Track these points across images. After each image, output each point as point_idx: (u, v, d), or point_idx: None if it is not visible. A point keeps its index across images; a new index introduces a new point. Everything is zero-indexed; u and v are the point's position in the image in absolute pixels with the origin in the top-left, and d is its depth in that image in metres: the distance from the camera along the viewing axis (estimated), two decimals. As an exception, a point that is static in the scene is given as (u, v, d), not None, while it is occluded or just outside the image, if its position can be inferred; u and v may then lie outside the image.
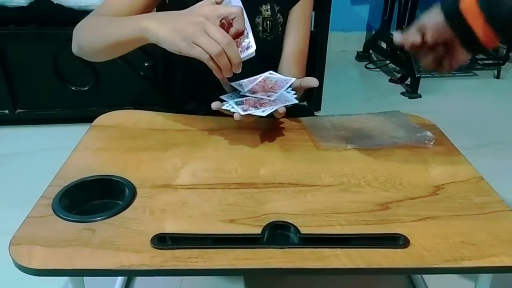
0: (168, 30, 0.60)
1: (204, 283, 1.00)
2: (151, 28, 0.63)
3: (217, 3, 0.62)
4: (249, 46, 0.63)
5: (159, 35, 0.62)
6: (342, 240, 0.52)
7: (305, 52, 0.93)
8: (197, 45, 0.59)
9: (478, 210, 0.59)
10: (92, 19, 0.77)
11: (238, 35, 0.63)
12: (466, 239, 0.53)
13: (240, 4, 0.65)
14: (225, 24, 0.62)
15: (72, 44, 0.79)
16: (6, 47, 1.52)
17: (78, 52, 0.79)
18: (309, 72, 0.93)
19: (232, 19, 0.62)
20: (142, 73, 1.50)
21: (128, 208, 0.56)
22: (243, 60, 0.63)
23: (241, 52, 0.62)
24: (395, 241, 0.52)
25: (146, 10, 0.79)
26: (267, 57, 0.88)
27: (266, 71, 0.83)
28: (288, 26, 0.91)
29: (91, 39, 0.74)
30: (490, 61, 2.54)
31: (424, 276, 1.01)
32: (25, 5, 1.45)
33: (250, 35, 0.64)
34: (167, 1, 0.85)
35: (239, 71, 0.63)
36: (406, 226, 0.54)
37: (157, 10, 0.83)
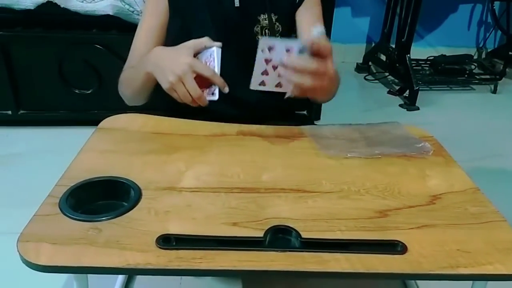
0: (160, 75, 0.76)
1: (203, 284, 1.01)
2: (151, 72, 0.78)
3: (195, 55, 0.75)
4: (214, 93, 0.75)
5: (156, 77, 0.77)
6: (342, 245, 0.54)
7: None
8: (175, 91, 0.74)
9: (474, 219, 0.60)
10: (125, 74, 0.91)
11: (208, 82, 0.75)
12: (462, 247, 0.54)
13: (215, 54, 0.75)
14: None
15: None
16: (11, 49, 1.54)
17: (127, 102, 0.93)
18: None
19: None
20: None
21: (134, 209, 0.58)
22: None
23: (207, 95, 0.75)
24: (393, 247, 0.54)
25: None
26: None
27: None
28: (301, 27, 0.93)
29: (128, 93, 0.90)
30: (487, 76, 2.58)
31: (419, 282, 1.03)
32: (32, 8, 1.47)
33: (217, 82, 0.74)
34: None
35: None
36: (404, 233, 0.56)
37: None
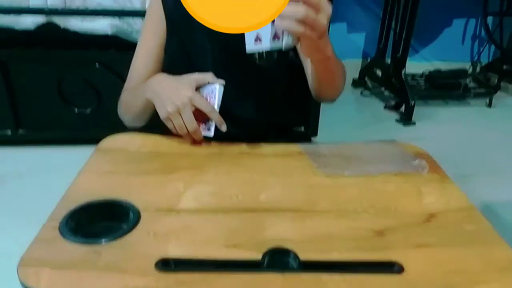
0: (158, 103, 0.77)
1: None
2: (150, 99, 0.80)
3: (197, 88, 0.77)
4: (210, 128, 0.77)
5: (154, 104, 0.79)
6: (339, 266, 0.54)
7: None
8: (171, 121, 0.76)
9: (470, 238, 0.61)
10: (124, 96, 0.92)
11: (205, 117, 0.77)
12: (458, 267, 0.55)
13: (217, 91, 0.77)
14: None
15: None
16: (11, 68, 1.56)
17: (127, 125, 0.95)
18: (306, 98, 0.96)
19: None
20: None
21: (133, 231, 0.58)
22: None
23: (202, 129, 0.78)
24: (390, 267, 0.54)
25: (157, 68, 0.92)
26: (266, 84, 0.91)
27: (266, 96, 0.87)
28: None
29: (127, 116, 0.92)
30: (482, 90, 2.61)
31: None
32: (32, 28, 1.49)
33: (215, 119, 0.77)
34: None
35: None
36: (401, 253, 0.57)
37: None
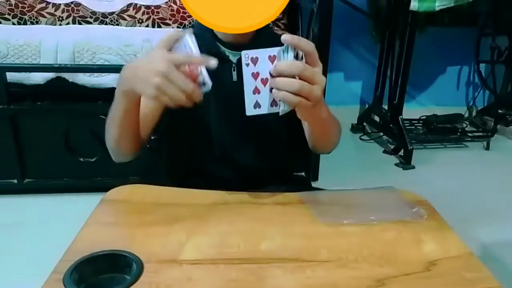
0: (141, 84, 0.69)
1: None
2: (131, 89, 0.73)
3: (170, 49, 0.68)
4: (205, 81, 0.68)
5: (137, 90, 0.71)
6: (341, 317, 0.54)
7: None
8: (162, 93, 0.66)
9: (470, 286, 0.61)
10: (107, 121, 0.85)
11: (193, 75, 0.69)
12: (459, 316, 0.55)
13: (190, 43, 0.69)
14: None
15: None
16: (20, 121, 1.61)
17: (114, 157, 0.88)
18: (306, 144, 0.97)
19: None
20: (148, 145, 1.57)
21: (136, 283, 0.59)
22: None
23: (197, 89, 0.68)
24: (392, 318, 0.54)
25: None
26: (266, 131, 0.93)
27: (267, 144, 0.89)
28: None
29: (112, 140, 0.85)
30: (480, 133, 2.65)
31: None
32: (42, 83, 1.56)
33: (204, 71, 0.68)
34: None
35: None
36: (402, 303, 0.57)
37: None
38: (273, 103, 0.68)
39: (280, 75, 0.64)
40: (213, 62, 0.67)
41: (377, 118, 2.66)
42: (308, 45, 0.65)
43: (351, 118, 2.78)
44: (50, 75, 1.53)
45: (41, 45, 1.55)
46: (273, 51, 0.66)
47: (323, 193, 0.89)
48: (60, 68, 1.54)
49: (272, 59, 0.66)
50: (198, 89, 0.68)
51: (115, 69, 1.57)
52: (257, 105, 0.69)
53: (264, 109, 0.69)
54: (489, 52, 2.72)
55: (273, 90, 0.66)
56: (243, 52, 0.65)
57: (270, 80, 0.66)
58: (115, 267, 0.63)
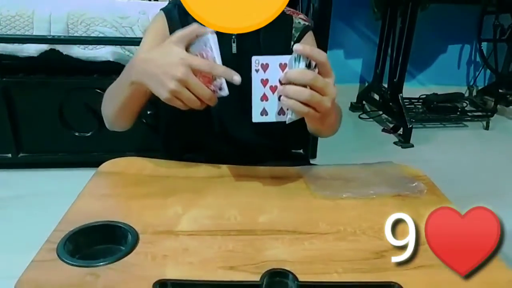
0: (155, 84, 0.66)
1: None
2: (139, 82, 0.70)
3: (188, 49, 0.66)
4: (222, 87, 0.67)
5: (149, 87, 0.68)
6: (339, 287, 0.54)
7: None
8: (177, 98, 0.65)
9: (469, 259, 0.61)
10: (107, 90, 0.84)
11: (209, 78, 0.67)
12: (457, 287, 0.54)
13: (211, 42, 0.66)
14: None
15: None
16: (14, 94, 1.59)
17: (108, 126, 0.87)
18: (305, 122, 0.96)
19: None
20: (144, 120, 1.55)
21: (131, 254, 0.58)
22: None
23: (215, 92, 0.67)
24: (390, 289, 0.54)
25: None
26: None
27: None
28: None
29: (110, 112, 0.83)
30: (479, 113, 2.64)
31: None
32: (35, 55, 1.52)
33: (223, 74, 0.66)
34: None
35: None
36: (400, 275, 0.56)
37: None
38: (281, 111, 0.67)
39: (290, 83, 0.62)
40: (236, 78, 0.65)
41: (376, 97, 2.64)
42: (320, 55, 0.63)
43: (350, 96, 2.76)
44: (44, 47, 1.49)
45: (34, 16, 1.51)
46: (285, 58, 0.64)
47: (322, 167, 0.88)
48: (53, 40, 1.50)
49: (283, 67, 0.64)
50: (215, 95, 0.67)
51: (110, 41, 1.54)
52: (264, 112, 0.67)
53: (271, 117, 0.67)
54: (491, 31, 2.67)
55: (282, 98, 0.64)
56: (254, 58, 0.63)
57: (279, 88, 0.64)
58: (110, 238, 0.62)
